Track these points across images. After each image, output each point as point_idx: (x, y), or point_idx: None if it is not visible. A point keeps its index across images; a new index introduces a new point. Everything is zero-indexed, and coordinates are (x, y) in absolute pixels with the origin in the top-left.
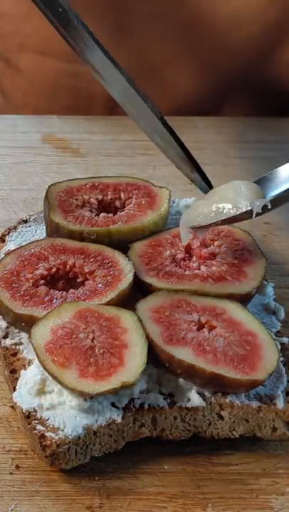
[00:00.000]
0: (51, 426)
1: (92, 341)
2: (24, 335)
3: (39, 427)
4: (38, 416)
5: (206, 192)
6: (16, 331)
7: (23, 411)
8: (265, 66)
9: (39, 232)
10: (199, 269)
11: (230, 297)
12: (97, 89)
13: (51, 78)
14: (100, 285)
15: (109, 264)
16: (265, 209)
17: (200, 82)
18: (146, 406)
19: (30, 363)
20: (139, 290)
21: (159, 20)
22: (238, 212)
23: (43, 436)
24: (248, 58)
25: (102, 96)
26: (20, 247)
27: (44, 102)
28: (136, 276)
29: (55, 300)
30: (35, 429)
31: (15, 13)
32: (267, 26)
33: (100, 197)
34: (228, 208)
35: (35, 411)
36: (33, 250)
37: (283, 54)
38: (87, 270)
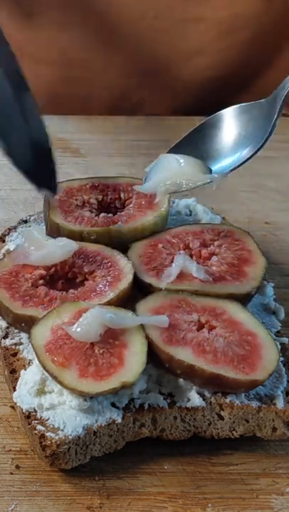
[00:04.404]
0: (51, 426)
1: (92, 341)
2: (24, 335)
3: (39, 427)
4: (38, 416)
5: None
6: (16, 331)
7: (23, 411)
8: (264, 69)
9: None
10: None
11: (230, 297)
12: (95, 95)
13: (47, 86)
14: (99, 285)
15: (109, 264)
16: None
17: (200, 84)
18: (146, 406)
19: (30, 363)
20: (139, 290)
21: (157, 19)
22: (198, 185)
23: (43, 436)
24: (247, 62)
25: (101, 102)
26: (20, 247)
27: (40, 109)
28: (136, 276)
29: (54, 300)
30: (35, 429)
31: (9, 22)
32: (265, 31)
33: (99, 197)
34: (188, 181)
35: (35, 411)
36: None
37: (282, 60)
38: (86, 270)
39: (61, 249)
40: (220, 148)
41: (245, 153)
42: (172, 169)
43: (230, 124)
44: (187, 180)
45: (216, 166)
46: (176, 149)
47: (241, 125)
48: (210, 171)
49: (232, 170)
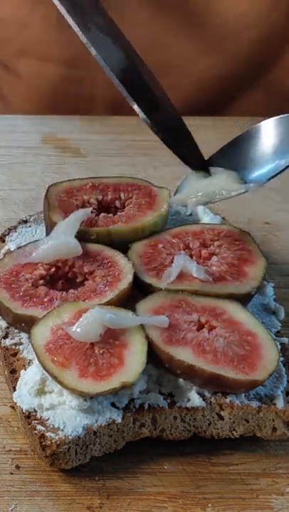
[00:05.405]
0: (51, 426)
1: (92, 341)
2: (24, 335)
3: (39, 427)
4: (38, 416)
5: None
6: (16, 331)
7: (23, 411)
8: (268, 69)
9: (39, 232)
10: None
11: (230, 297)
12: (98, 94)
13: (51, 84)
14: (99, 285)
15: (109, 264)
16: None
17: (202, 83)
18: (146, 406)
19: (30, 363)
20: (139, 290)
21: (164, 20)
22: (233, 195)
23: (43, 436)
24: (252, 61)
25: (104, 101)
26: (20, 247)
27: (44, 108)
28: (136, 277)
29: (54, 300)
30: (35, 429)
31: (14, 19)
32: (271, 30)
33: (100, 197)
34: (221, 191)
35: (35, 411)
36: None
37: (285, 60)
38: (86, 270)
39: (62, 244)
40: (256, 158)
41: (283, 162)
42: (205, 180)
43: (268, 135)
44: (221, 190)
45: (252, 176)
46: (210, 161)
47: (279, 136)
48: (244, 183)
49: (269, 179)
